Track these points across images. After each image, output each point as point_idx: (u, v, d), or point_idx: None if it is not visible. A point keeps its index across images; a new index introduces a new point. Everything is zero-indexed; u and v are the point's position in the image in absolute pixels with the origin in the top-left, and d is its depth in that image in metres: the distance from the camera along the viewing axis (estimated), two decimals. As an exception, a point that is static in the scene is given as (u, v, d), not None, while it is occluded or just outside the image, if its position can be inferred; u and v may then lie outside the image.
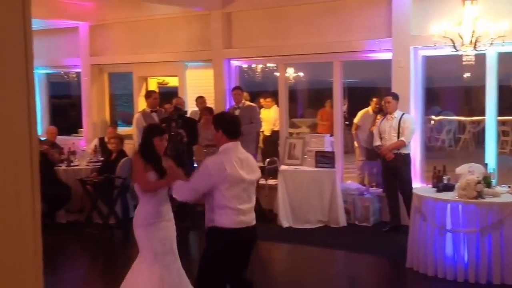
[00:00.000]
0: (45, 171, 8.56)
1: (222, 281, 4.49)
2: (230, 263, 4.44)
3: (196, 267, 7.35)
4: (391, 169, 8.08)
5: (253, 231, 4.50)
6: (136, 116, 9.69)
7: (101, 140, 10.45)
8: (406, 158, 8.10)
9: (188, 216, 8.75)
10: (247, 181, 4.37)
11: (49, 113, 13.20)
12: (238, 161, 4.34)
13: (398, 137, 8.03)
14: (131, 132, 11.76)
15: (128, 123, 12.68)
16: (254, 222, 4.49)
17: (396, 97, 8.18)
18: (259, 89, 13.12)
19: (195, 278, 4.59)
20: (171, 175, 4.66)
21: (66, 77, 14.00)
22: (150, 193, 4.75)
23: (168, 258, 4.83)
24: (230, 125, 4.48)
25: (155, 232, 4.75)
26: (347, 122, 11.48)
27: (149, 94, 9.69)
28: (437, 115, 15.35)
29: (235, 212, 4.29)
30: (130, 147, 10.48)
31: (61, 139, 10.76)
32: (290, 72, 12.88)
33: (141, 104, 11.60)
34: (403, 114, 8.14)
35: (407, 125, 8.03)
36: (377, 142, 8.28)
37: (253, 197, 4.50)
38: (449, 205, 6.17)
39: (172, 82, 11.68)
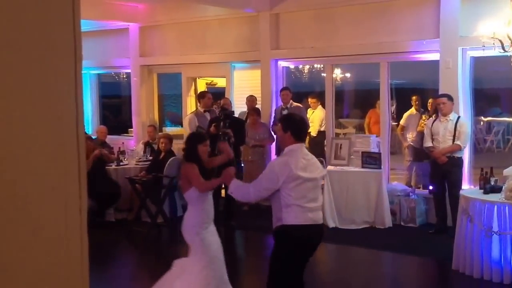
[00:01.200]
0: (98, 170, 8.90)
1: (293, 279, 4.52)
2: (298, 261, 4.49)
3: (241, 267, 7.53)
4: (443, 172, 7.91)
5: (320, 229, 4.54)
6: (189, 116, 9.84)
7: (146, 143, 10.66)
8: (459, 162, 7.96)
9: (233, 215, 8.87)
10: (312, 180, 4.42)
11: (100, 112, 13.51)
12: (303, 162, 4.40)
13: (453, 140, 7.87)
14: (180, 132, 12.02)
15: (176, 123, 12.89)
16: (321, 221, 4.54)
17: (451, 98, 7.99)
18: (305, 90, 13.14)
19: (267, 278, 4.61)
20: (227, 174, 4.74)
21: (116, 77, 14.30)
22: (201, 198, 4.86)
23: (217, 263, 4.96)
24: (299, 127, 4.53)
25: (208, 237, 4.90)
26: (396, 123, 11.41)
27: (203, 95, 9.85)
28: (497, 116, 15.07)
29: (302, 209, 4.34)
30: (178, 147, 10.69)
31: (111, 139, 11.03)
32: (337, 73, 12.87)
33: (190, 104, 11.83)
34: (459, 117, 7.99)
35: (464, 129, 7.88)
36: (428, 143, 8.09)
37: (319, 196, 4.55)
38: (496, 207, 6.10)
39: (220, 82, 11.81)
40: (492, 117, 15.09)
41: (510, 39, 7.10)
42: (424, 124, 10.10)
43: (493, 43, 7.11)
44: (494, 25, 7.15)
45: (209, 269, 4.84)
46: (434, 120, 8.16)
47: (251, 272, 7.24)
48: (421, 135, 9.90)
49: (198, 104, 10.07)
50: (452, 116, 7.94)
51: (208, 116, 9.46)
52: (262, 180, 4.46)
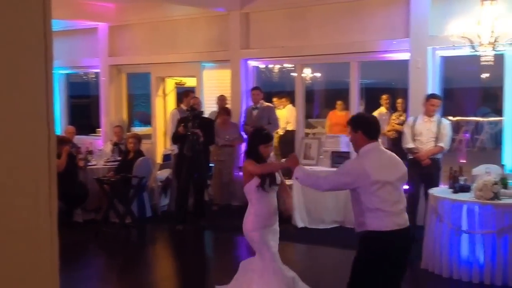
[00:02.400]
0: (71, 171, 8.75)
1: None
2: (384, 270, 4.18)
3: (211, 267, 7.44)
4: (423, 174, 7.54)
5: (407, 233, 4.23)
6: (173, 111, 9.91)
7: (115, 143, 10.52)
8: (440, 164, 7.70)
9: (203, 215, 8.79)
10: (394, 181, 4.16)
11: (68, 112, 13.34)
12: (382, 161, 4.18)
13: (435, 141, 7.58)
14: (149, 132, 11.92)
15: (146, 123, 12.76)
16: (407, 224, 4.23)
17: (441, 98, 7.80)
18: (275, 90, 13.14)
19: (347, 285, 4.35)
20: (293, 158, 4.61)
21: (85, 77, 14.13)
22: (259, 194, 4.82)
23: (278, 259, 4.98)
24: (370, 125, 4.31)
25: (268, 234, 4.90)
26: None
27: (186, 93, 9.73)
28: (485, 116, 15.23)
29: (387, 214, 4.08)
30: (147, 146, 10.58)
31: (79, 139, 10.87)
32: (307, 73, 12.88)
33: (159, 104, 11.72)
34: (441, 117, 7.74)
35: (447, 131, 7.62)
36: (410, 144, 7.64)
37: (402, 198, 4.26)
38: (465, 206, 6.12)
39: (190, 82, 11.73)
40: (481, 116, 15.25)
41: (480, 38, 7.14)
42: (395, 123, 10.18)
43: (463, 43, 7.15)
44: (464, 25, 7.20)
45: (277, 264, 4.91)
46: (416, 120, 7.78)
47: (221, 273, 7.15)
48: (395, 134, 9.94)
49: (181, 103, 10.01)
50: (436, 117, 7.68)
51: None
52: (337, 174, 4.31)
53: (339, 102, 11.55)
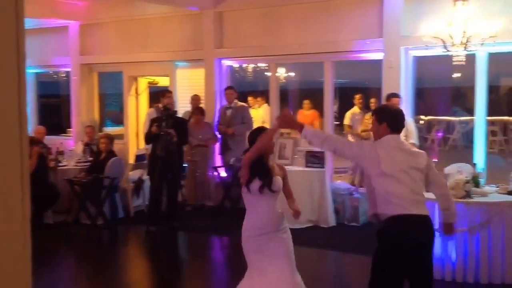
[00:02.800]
0: (41, 172, 8.61)
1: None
2: (401, 263, 3.98)
3: (184, 269, 7.37)
4: None
5: (426, 221, 4.04)
6: (149, 111, 9.78)
7: (86, 143, 10.39)
8: None
9: (176, 216, 8.71)
10: (410, 170, 4.02)
11: (37, 112, 13.14)
12: (400, 152, 4.07)
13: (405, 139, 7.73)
14: (121, 132, 11.78)
15: (118, 123, 12.63)
16: (426, 212, 4.06)
17: (400, 97, 7.86)
18: (250, 89, 13.11)
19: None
20: (285, 117, 4.30)
21: (55, 76, 13.93)
22: (256, 200, 4.40)
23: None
24: (396, 117, 4.22)
25: (260, 244, 4.42)
26: (337, 122, 11.49)
27: (163, 93, 9.55)
28: (458, 115, 15.38)
29: (399, 200, 3.95)
30: (119, 147, 10.45)
31: (49, 139, 10.70)
32: (281, 72, 12.87)
33: (131, 104, 11.60)
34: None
35: (412, 128, 7.79)
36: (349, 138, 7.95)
37: (422, 188, 4.11)
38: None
39: (163, 82, 11.64)
40: (454, 116, 15.41)
41: (452, 38, 7.20)
42: (369, 123, 10.21)
43: (436, 43, 7.20)
44: (436, 25, 7.25)
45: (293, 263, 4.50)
46: None
47: (194, 274, 7.09)
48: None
49: (158, 102, 9.80)
50: None
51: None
52: (350, 142, 4.40)
53: (306, 101, 11.54)
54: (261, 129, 4.75)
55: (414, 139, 7.69)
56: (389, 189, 3.98)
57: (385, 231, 4.03)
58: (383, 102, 7.85)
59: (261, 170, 4.40)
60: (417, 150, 4.27)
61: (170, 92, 9.46)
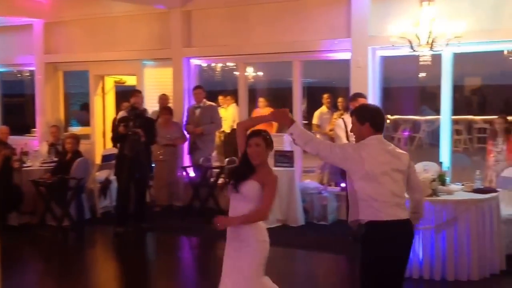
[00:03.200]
0: (5, 173, 8.45)
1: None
2: (387, 263, 3.94)
3: (153, 269, 7.30)
4: None
5: (406, 226, 3.99)
6: (121, 113, 9.50)
7: (51, 144, 10.22)
8: None
9: (144, 217, 8.62)
10: (390, 171, 3.93)
11: (1, 112, 12.90)
12: (383, 153, 3.97)
13: None
14: (87, 131, 11.63)
15: (84, 123, 12.47)
16: (407, 217, 3.99)
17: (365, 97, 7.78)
18: (218, 88, 13.07)
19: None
20: (282, 113, 4.07)
21: (19, 75, 13.68)
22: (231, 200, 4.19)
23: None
24: (377, 117, 4.07)
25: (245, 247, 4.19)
26: (306, 122, 11.54)
27: (132, 93, 9.38)
28: (426, 114, 15.55)
29: (382, 204, 3.88)
30: (86, 147, 10.32)
31: (13, 139, 10.47)
32: (250, 72, 12.86)
33: (98, 103, 11.46)
34: None
35: None
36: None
37: (403, 191, 4.03)
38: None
39: (130, 81, 11.52)
40: (422, 115, 15.60)
41: (418, 39, 7.28)
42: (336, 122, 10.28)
43: (402, 43, 7.27)
44: (403, 25, 7.32)
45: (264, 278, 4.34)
46: (345, 121, 7.58)
47: (162, 275, 7.03)
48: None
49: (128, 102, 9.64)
50: None
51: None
52: (333, 145, 4.13)
53: (261, 99, 11.49)
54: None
55: None
56: (371, 192, 3.89)
57: (368, 238, 3.95)
58: (350, 102, 7.80)
59: (239, 168, 4.20)
60: (400, 151, 4.16)
61: (139, 92, 9.34)
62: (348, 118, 7.74)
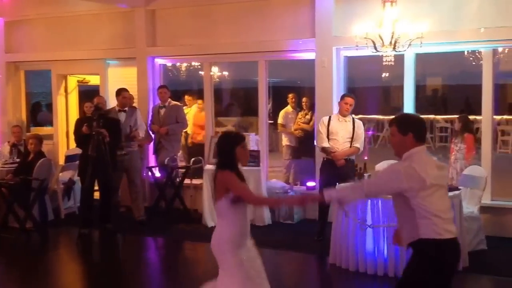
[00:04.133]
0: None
1: None
2: (438, 281, 3.73)
3: (120, 271, 7.23)
4: (340, 174, 7.27)
5: (458, 242, 3.82)
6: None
7: (13, 144, 10.04)
8: (353, 164, 7.54)
9: (110, 218, 8.54)
10: (445, 185, 3.86)
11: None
12: (432, 164, 3.79)
13: (351, 142, 7.58)
14: (50, 132, 11.44)
15: (46, 122, 12.29)
16: (457, 233, 3.87)
17: (354, 98, 7.76)
18: (184, 88, 13.01)
19: None
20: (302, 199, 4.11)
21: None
22: (233, 209, 4.07)
23: (258, 281, 4.25)
24: (421, 127, 3.88)
25: (241, 255, 4.13)
26: (271, 121, 11.59)
27: (118, 92, 9.22)
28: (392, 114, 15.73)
29: (442, 221, 3.69)
30: (48, 147, 10.16)
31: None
32: (215, 71, 12.84)
33: (60, 103, 11.29)
34: (353, 118, 7.73)
35: (361, 132, 7.65)
36: (324, 143, 7.60)
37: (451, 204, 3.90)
38: (369, 201, 6.30)
39: (94, 80, 11.38)
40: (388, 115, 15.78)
41: (381, 39, 7.39)
42: (301, 122, 10.36)
43: (366, 43, 7.37)
44: (366, 26, 7.41)
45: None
46: (330, 119, 7.70)
47: (128, 276, 6.97)
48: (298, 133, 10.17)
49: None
50: (349, 117, 7.69)
51: (123, 116, 8.94)
52: (386, 180, 3.80)
53: (199, 101, 11.32)
54: (233, 135, 4.33)
55: (360, 143, 7.62)
56: (433, 209, 3.66)
57: (432, 257, 3.69)
58: (339, 102, 7.74)
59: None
60: (441, 163, 4.00)
61: (126, 91, 9.24)
62: (336, 118, 7.70)
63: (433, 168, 3.75)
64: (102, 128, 8.15)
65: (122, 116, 8.98)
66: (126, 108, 9.11)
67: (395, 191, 3.74)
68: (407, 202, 3.69)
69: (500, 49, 8.82)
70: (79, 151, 8.86)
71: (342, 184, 3.87)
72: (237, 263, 4.09)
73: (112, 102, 10.35)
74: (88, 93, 11.42)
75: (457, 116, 8.61)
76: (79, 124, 8.58)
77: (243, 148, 4.12)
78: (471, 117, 9.31)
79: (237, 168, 4.11)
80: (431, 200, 3.66)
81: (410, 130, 3.79)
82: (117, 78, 10.72)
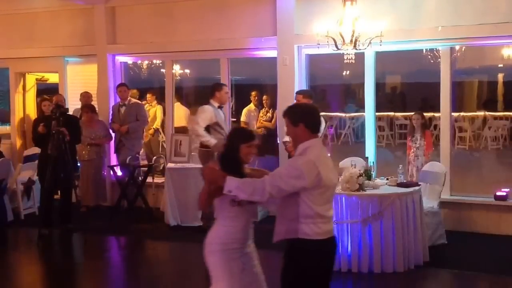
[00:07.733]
0: None
1: None
2: (317, 283, 3.66)
3: (80, 271, 7.13)
4: None
5: (335, 240, 3.77)
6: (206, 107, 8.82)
7: None
8: None
9: (70, 217, 8.41)
10: (335, 185, 3.74)
11: None
12: (327, 161, 3.61)
13: None
14: (8, 131, 11.20)
15: (4, 121, 12.02)
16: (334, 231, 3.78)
17: (309, 94, 7.77)
18: (145, 86, 12.89)
19: None
20: (209, 170, 3.69)
21: None
22: (226, 209, 3.79)
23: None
24: (313, 117, 3.64)
25: (241, 259, 3.93)
26: (234, 119, 11.59)
27: (214, 88, 8.78)
28: (349, 111, 15.87)
29: (325, 220, 3.57)
30: (6, 147, 9.94)
31: None
32: (177, 69, 12.76)
33: (18, 101, 11.06)
34: None
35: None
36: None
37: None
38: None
39: (52, 78, 11.18)
40: (349, 113, 15.92)
41: (342, 37, 7.46)
42: (263, 120, 10.41)
43: (327, 41, 7.42)
44: (327, 24, 7.46)
45: None
46: None
47: (90, 276, 6.88)
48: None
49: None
50: None
51: (221, 112, 8.28)
52: (282, 175, 3.51)
53: (148, 95, 11.31)
54: (242, 132, 4.11)
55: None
56: (319, 209, 3.54)
57: (305, 248, 3.60)
58: (296, 100, 7.67)
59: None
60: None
61: (60, 94, 9.12)
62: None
63: (328, 165, 3.61)
64: (62, 126, 8.01)
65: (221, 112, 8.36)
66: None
67: (298, 189, 3.49)
68: (295, 198, 3.52)
69: (457, 47, 9.02)
70: (38, 150, 8.69)
71: (249, 179, 3.61)
72: (226, 271, 3.87)
73: (71, 100, 10.21)
74: (46, 91, 11.21)
75: (413, 113, 8.72)
76: (37, 123, 8.42)
77: (249, 147, 3.86)
78: (429, 114, 9.49)
79: (238, 164, 3.85)
80: (322, 198, 3.53)
81: (301, 121, 3.60)
82: (77, 76, 10.57)
